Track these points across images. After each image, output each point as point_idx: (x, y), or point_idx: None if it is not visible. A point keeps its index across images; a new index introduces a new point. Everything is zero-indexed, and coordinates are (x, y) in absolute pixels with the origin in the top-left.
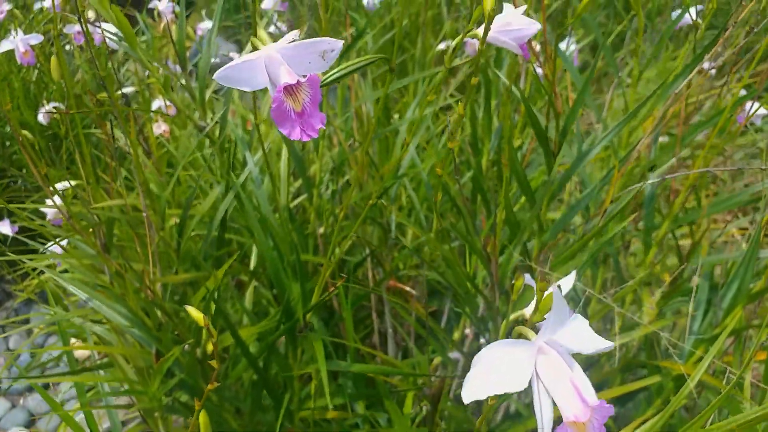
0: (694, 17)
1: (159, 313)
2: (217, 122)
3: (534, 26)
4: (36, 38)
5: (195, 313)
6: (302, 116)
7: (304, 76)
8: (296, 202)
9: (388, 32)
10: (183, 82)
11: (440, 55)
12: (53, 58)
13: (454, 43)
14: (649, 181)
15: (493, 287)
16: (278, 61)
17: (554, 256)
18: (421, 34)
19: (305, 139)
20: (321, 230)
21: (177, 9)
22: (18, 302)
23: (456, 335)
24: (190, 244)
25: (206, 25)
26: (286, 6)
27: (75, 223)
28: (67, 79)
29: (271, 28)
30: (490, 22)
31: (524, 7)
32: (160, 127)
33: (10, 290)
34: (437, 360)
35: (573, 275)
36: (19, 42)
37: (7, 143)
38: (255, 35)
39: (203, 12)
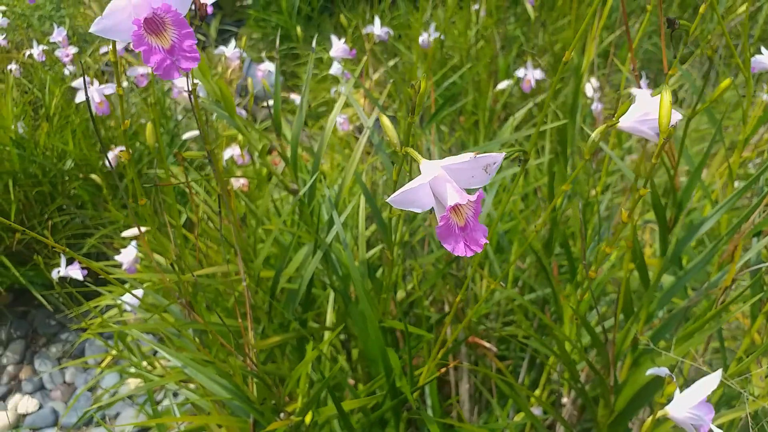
0: None
1: (257, 382)
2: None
3: (675, 116)
4: (111, 88)
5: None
6: (465, 230)
7: (468, 191)
8: (371, 253)
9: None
10: (278, 147)
11: (498, 95)
12: (149, 125)
13: (595, 133)
14: (756, 248)
15: (608, 365)
16: (445, 180)
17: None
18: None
19: (469, 254)
20: (401, 294)
21: (243, 55)
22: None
23: (537, 391)
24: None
25: (266, 66)
26: (354, 53)
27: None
28: (161, 145)
29: (334, 69)
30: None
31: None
32: (238, 181)
33: (65, 322)
34: (520, 416)
35: (719, 374)
36: (95, 92)
37: (66, 178)
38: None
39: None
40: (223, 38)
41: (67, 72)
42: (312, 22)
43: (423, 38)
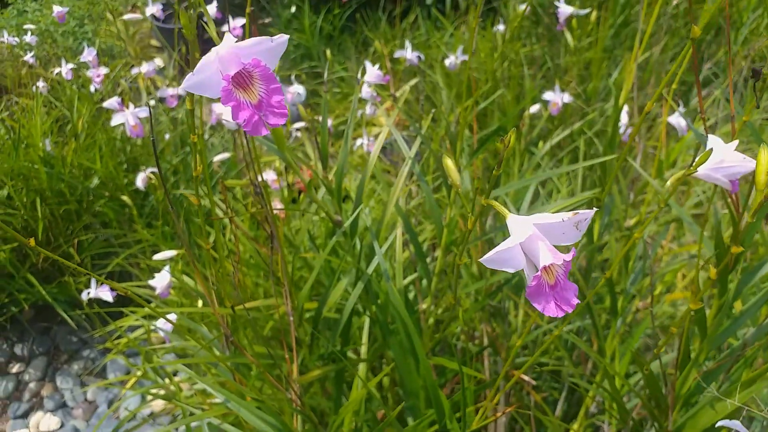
0: None
1: (302, 418)
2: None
3: (748, 164)
4: (144, 111)
5: None
6: (555, 289)
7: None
8: (407, 281)
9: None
10: (322, 179)
11: (528, 120)
12: (197, 156)
13: (671, 182)
14: None
15: (662, 405)
16: (537, 238)
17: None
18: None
19: (560, 314)
20: (431, 321)
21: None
22: (108, 358)
23: (576, 425)
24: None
25: (295, 88)
26: (388, 79)
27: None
28: (206, 175)
29: (364, 93)
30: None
31: (736, 142)
32: (276, 206)
33: (87, 339)
34: None
35: None
36: (130, 116)
37: (91, 197)
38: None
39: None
40: None
41: (93, 89)
42: (333, 41)
43: (450, 61)
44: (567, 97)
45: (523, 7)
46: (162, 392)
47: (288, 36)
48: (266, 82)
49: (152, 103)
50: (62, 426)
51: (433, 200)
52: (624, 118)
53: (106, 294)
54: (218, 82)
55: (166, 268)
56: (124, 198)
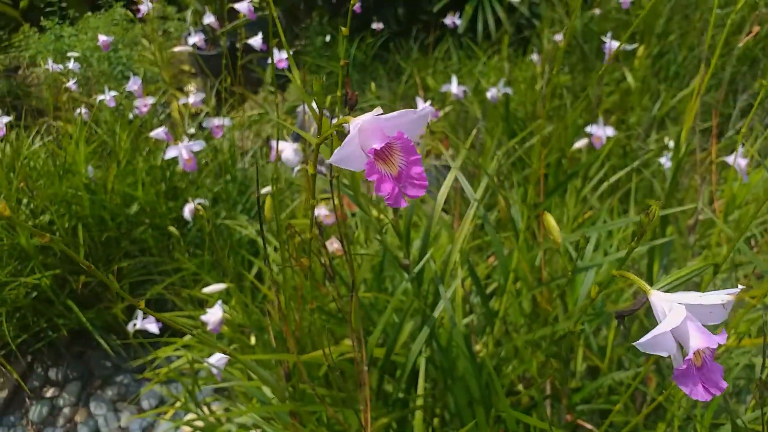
0: None
1: None
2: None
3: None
4: (199, 145)
5: None
6: (702, 370)
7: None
8: (465, 321)
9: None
10: (391, 221)
11: (575, 154)
12: (268, 198)
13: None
14: None
15: None
16: (688, 319)
17: None
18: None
19: (708, 398)
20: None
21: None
22: (148, 387)
23: None
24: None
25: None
26: (438, 114)
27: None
28: (278, 214)
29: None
30: None
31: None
32: (332, 244)
33: (121, 364)
34: None
35: None
36: (183, 149)
37: (130, 222)
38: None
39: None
40: (279, 83)
41: (131, 116)
42: (366, 69)
43: (492, 93)
44: (611, 131)
45: (558, 37)
46: (201, 424)
47: (431, 108)
48: (406, 154)
49: (191, 131)
50: None
51: (502, 248)
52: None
53: (152, 326)
54: (360, 155)
55: (219, 303)
56: (171, 229)
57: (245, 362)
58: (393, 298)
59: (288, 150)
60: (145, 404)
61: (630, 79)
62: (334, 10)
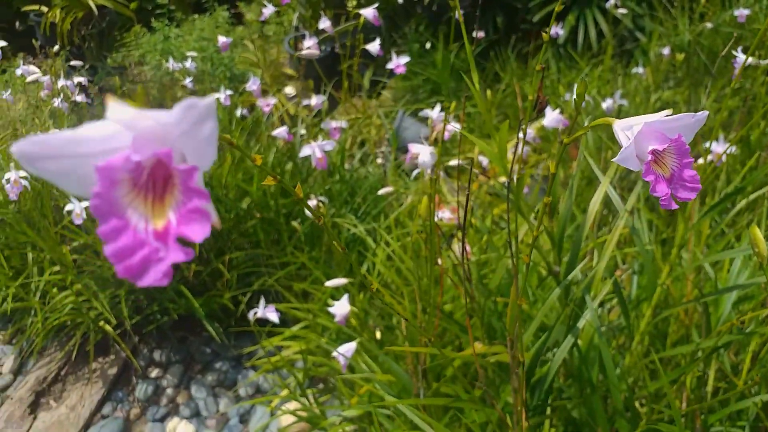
0: None
1: None
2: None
3: None
4: (330, 145)
5: None
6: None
7: None
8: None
9: None
10: (547, 227)
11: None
12: (425, 198)
13: None
14: None
15: None
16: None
17: None
18: None
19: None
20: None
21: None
22: (257, 375)
23: None
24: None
25: (434, 113)
26: (567, 123)
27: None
28: (432, 217)
29: (529, 137)
30: None
31: None
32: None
33: (220, 353)
34: None
35: None
36: (317, 148)
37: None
38: None
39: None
40: (375, 89)
41: (239, 113)
42: (462, 77)
43: (608, 103)
44: (730, 148)
45: (666, 51)
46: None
47: (707, 112)
48: (680, 157)
49: (302, 132)
50: None
51: (652, 262)
52: None
53: (272, 315)
54: (633, 157)
55: (346, 296)
56: (294, 224)
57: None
58: (544, 305)
59: (425, 152)
60: (242, 392)
61: (759, 93)
62: (433, 17)
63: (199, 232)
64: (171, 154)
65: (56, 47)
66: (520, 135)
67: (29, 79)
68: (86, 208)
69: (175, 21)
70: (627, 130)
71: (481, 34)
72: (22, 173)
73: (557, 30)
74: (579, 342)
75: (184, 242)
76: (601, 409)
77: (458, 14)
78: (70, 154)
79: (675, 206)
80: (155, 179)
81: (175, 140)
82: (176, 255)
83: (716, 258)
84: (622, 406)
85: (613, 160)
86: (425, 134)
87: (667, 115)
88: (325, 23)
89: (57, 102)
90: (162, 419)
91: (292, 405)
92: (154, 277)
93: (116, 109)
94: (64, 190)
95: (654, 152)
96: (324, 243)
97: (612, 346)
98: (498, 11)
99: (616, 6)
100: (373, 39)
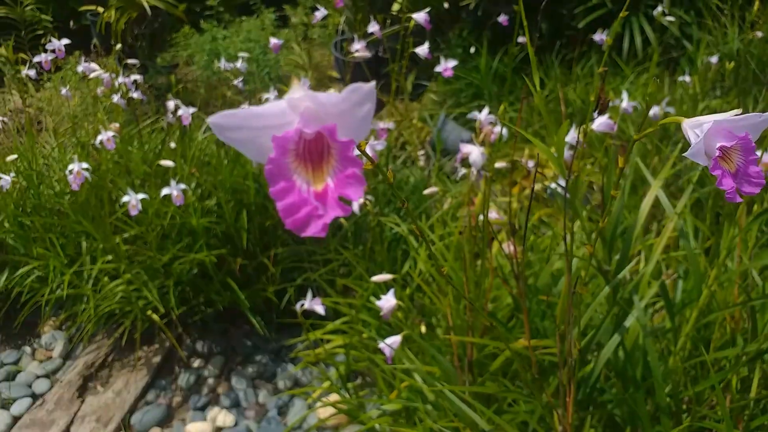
0: None
1: None
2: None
3: None
4: (381, 144)
5: None
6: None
7: None
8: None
9: None
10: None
11: None
12: (480, 195)
13: None
14: None
15: None
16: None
17: None
18: None
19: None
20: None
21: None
22: (298, 367)
23: None
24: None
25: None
26: (614, 127)
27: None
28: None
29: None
30: None
31: None
32: (509, 247)
33: (260, 346)
34: None
35: None
36: (368, 147)
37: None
38: None
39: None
40: (417, 92)
41: None
42: (505, 82)
43: (654, 111)
44: None
45: (714, 59)
46: (344, 406)
47: None
48: (746, 154)
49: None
50: (236, 424)
51: (698, 265)
52: None
53: (319, 307)
54: (701, 153)
55: (391, 291)
56: (342, 220)
57: (425, 347)
58: (594, 302)
59: (475, 152)
60: (281, 384)
61: None
62: (477, 22)
63: (355, 193)
64: (335, 129)
65: (118, 45)
66: (574, 135)
67: (91, 75)
68: (142, 200)
69: (223, 22)
70: (696, 127)
71: (524, 39)
72: (85, 165)
73: (603, 36)
74: (624, 341)
75: (344, 201)
76: (644, 407)
77: (525, 20)
78: (250, 126)
79: (739, 199)
80: (312, 150)
81: (335, 117)
82: (336, 212)
83: (764, 263)
84: (665, 404)
85: (683, 154)
86: (467, 137)
87: (735, 115)
88: (374, 27)
89: (115, 98)
90: (203, 408)
91: (332, 398)
92: (314, 230)
93: (296, 89)
94: (246, 155)
95: (722, 148)
96: (370, 240)
97: (655, 349)
98: (542, 17)
99: (663, 14)
100: (421, 43)
